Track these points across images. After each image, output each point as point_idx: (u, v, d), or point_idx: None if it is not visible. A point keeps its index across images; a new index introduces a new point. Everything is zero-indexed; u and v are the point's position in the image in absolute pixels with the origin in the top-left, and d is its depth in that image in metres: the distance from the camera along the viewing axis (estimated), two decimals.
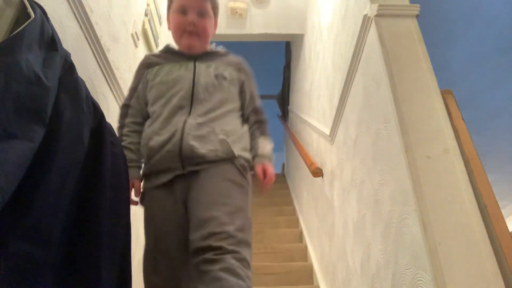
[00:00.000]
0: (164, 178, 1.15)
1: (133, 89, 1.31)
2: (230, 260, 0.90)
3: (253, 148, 1.27)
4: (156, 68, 1.28)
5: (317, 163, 2.44)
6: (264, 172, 1.20)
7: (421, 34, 1.30)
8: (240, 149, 1.18)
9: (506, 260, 0.93)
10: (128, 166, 1.18)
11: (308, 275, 2.57)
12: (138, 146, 1.24)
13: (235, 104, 1.28)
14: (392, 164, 1.20)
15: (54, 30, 0.94)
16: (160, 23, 2.33)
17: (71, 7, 1.16)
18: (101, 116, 1.16)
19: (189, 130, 1.13)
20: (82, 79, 1.08)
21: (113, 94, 1.51)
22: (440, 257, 0.92)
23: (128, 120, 1.29)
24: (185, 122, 1.14)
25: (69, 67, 0.97)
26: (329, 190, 2.15)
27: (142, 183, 1.23)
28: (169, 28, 1.37)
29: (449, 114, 1.18)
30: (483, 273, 0.90)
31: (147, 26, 2.00)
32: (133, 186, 1.20)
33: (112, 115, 1.48)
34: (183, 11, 1.28)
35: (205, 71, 1.25)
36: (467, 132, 1.16)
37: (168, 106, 1.19)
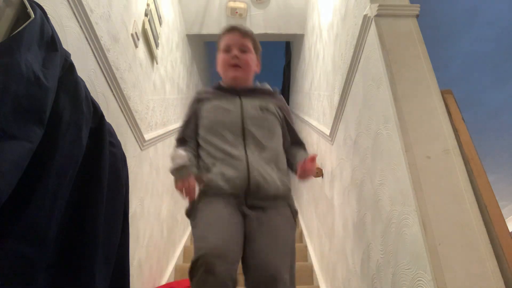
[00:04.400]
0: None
1: (187, 121, 1.48)
2: None
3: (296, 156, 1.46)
4: (206, 102, 1.45)
5: (317, 163, 2.44)
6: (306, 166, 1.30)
7: (421, 34, 1.30)
8: (289, 188, 1.37)
9: (506, 260, 0.93)
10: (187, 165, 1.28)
11: (308, 275, 2.57)
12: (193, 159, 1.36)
13: (280, 137, 1.44)
14: (392, 164, 1.20)
15: (54, 30, 0.94)
16: (160, 23, 2.33)
17: (71, 7, 1.16)
18: (101, 116, 1.16)
19: (252, 164, 1.28)
20: (82, 79, 1.08)
21: (113, 94, 1.51)
22: (440, 257, 0.92)
23: (186, 147, 1.41)
24: (247, 156, 1.29)
25: (69, 67, 0.97)
26: (329, 190, 2.15)
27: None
28: (217, 69, 1.53)
29: (449, 114, 1.18)
30: (483, 273, 0.90)
31: (147, 26, 1.99)
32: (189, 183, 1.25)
33: (112, 115, 1.48)
34: (227, 50, 1.47)
35: (250, 104, 1.42)
36: (467, 132, 1.16)
37: (223, 141, 1.33)
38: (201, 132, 1.40)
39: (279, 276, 1.08)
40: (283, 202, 1.30)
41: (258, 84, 1.55)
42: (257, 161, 1.29)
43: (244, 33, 1.49)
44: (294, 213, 1.33)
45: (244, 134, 1.34)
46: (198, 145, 1.41)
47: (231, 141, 1.32)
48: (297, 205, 1.27)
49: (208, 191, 1.26)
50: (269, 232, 1.18)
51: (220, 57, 1.49)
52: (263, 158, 1.31)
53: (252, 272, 1.11)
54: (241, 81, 1.47)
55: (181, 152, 1.30)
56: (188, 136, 1.44)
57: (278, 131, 1.43)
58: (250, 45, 1.49)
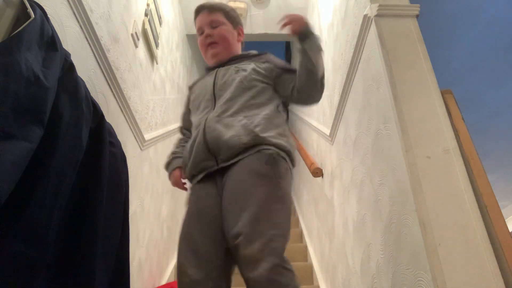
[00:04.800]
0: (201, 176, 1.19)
1: (184, 112, 1.48)
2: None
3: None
4: (194, 86, 1.44)
5: (317, 163, 2.44)
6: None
7: (421, 34, 1.30)
8: (270, 135, 1.14)
9: (506, 260, 0.93)
10: (172, 157, 1.35)
11: (308, 275, 2.57)
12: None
13: (266, 95, 1.28)
14: (392, 164, 1.20)
15: (54, 30, 0.94)
16: (160, 23, 2.33)
17: (71, 7, 1.16)
18: (101, 116, 1.16)
19: (209, 122, 1.17)
20: (82, 79, 1.08)
21: (113, 94, 1.51)
22: (440, 257, 0.92)
23: (181, 138, 1.46)
24: (206, 118, 1.19)
25: (69, 67, 0.97)
26: (329, 190, 2.15)
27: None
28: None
29: (449, 114, 1.18)
30: (483, 273, 0.90)
31: (147, 26, 2.00)
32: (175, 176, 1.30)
33: (112, 115, 1.48)
34: (201, 32, 1.42)
35: (225, 71, 1.32)
36: (467, 132, 1.16)
37: (197, 113, 1.29)
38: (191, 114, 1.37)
39: (237, 233, 0.94)
40: (252, 150, 1.10)
41: (244, 52, 1.45)
42: (217, 116, 1.17)
43: (211, 9, 1.42)
44: (270, 158, 1.09)
45: (214, 99, 1.26)
46: None
47: (202, 110, 1.26)
48: (287, 145, 1.16)
49: (186, 174, 1.23)
50: (228, 194, 1.06)
51: (198, 40, 1.44)
52: (228, 114, 1.18)
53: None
54: (223, 55, 1.39)
55: (172, 150, 1.38)
56: (185, 125, 1.44)
57: (257, 84, 1.27)
58: (220, 18, 1.41)
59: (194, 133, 1.22)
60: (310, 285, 2.50)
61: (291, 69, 1.36)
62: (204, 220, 1.07)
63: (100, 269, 0.98)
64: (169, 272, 2.40)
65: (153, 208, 2.07)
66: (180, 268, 1.00)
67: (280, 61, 1.40)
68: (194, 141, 1.18)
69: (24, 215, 0.74)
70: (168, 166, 1.32)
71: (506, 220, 0.98)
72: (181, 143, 1.39)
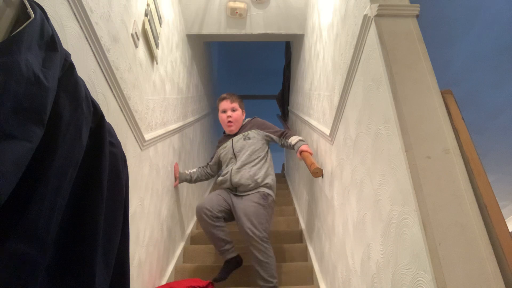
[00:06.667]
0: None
1: (212, 157, 2.79)
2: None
3: (289, 145, 2.49)
4: (220, 148, 2.68)
5: (317, 163, 2.44)
6: (300, 153, 2.37)
7: (421, 34, 1.30)
8: (263, 182, 2.41)
9: (506, 260, 0.93)
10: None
11: (308, 275, 2.57)
12: (197, 174, 2.79)
13: (262, 152, 2.51)
14: (392, 164, 1.20)
15: (54, 30, 0.94)
16: (160, 23, 2.33)
17: (71, 7, 1.16)
18: (101, 116, 1.16)
19: (233, 172, 2.45)
20: (82, 79, 1.08)
21: (113, 94, 1.51)
22: (440, 257, 0.92)
23: (202, 166, 2.84)
24: (231, 169, 2.47)
25: (69, 67, 0.97)
26: (329, 190, 2.15)
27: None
28: (220, 122, 2.72)
29: (449, 114, 1.18)
30: (483, 273, 0.90)
31: (147, 26, 2.00)
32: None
33: (112, 115, 1.48)
34: (224, 111, 2.64)
35: (237, 139, 2.57)
36: (467, 132, 1.16)
37: (225, 165, 2.60)
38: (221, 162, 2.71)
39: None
40: (255, 191, 2.36)
41: (243, 123, 2.67)
42: (236, 171, 2.43)
43: (232, 100, 2.62)
44: (264, 196, 2.34)
45: (235, 157, 2.51)
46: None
47: (227, 164, 2.56)
48: (273, 193, 2.45)
49: (220, 187, 2.52)
50: (240, 209, 2.29)
51: (220, 116, 2.65)
52: (242, 168, 2.42)
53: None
54: (235, 129, 2.63)
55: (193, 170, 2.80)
56: (211, 167, 2.78)
57: (260, 145, 2.51)
58: (237, 105, 2.62)
59: (225, 176, 2.48)
60: (310, 285, 2.50)
61: (277, 130, 2.61)
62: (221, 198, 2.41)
63: (100, 269, 0.98)
64: (169, 272, 2.39)
65: (153, 208, 2.07)
66: (202, 210, 2.29)
67: (267, 126, 2.64)
68: (226, 180, 2.46)
69: (24, 215, 0.74)
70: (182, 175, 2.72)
71: (506, 220, 0.98)
72: (198, 169, 2.80)
